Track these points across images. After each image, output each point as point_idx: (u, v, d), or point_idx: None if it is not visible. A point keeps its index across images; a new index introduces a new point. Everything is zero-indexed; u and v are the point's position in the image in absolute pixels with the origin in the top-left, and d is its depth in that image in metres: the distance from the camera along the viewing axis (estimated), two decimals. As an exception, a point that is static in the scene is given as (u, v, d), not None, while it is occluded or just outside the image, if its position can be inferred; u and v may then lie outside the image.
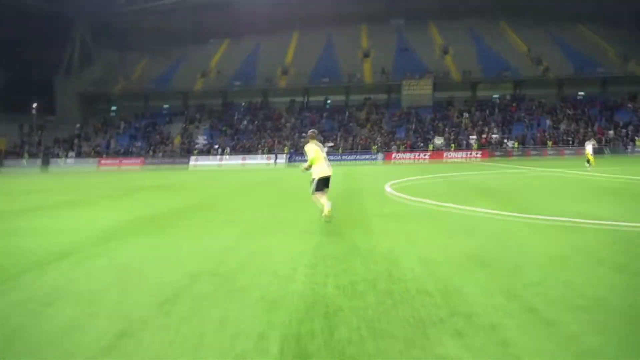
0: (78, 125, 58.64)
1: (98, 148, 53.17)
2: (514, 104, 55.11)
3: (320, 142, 9.46)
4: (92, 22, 65.34)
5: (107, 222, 9.58)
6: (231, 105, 60.80)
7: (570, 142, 46.19)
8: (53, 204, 13.51)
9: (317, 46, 65.12)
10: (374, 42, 64.59)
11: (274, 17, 68.98)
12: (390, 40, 64.88)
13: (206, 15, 69.55)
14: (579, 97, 56.10)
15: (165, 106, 62.36)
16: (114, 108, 63.12)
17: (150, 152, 51.09)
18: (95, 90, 62.03)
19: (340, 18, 68.91)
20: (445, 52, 61.58)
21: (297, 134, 51.87)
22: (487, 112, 54.10)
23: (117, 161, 49.32)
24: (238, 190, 17.46)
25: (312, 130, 9.11)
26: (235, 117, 57.89)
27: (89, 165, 48.48)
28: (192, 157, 48.66)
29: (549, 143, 46.37)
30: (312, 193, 8.76)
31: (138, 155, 50.86)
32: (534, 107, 54.15)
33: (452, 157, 45.44)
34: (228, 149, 49.45)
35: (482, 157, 45.15)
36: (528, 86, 57.65)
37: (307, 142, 8.84)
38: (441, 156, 45.71)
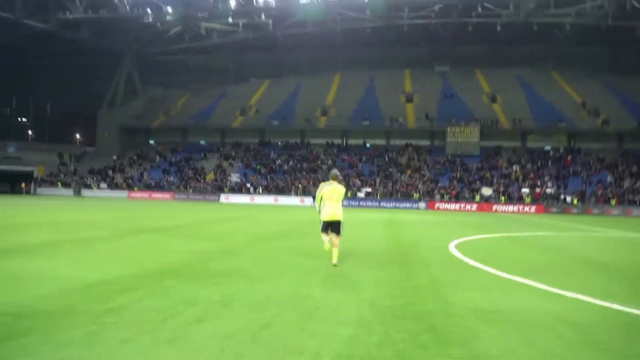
0: (115, 157, 56.80)
1: (130, 180, 50.78)
2: (569, 157, 49.80)
3: (342, 183, 8.39)
4: (139, 58, 64.81)
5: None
6: (268, 144, 57.92)
7: (638, 202, 40.40)
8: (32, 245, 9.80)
9: (358, 88, 62.14)
10: (417, 87, 61.14)
11: (316, 59, 67.07)
12: (434, 86, 61.29)
13: (250, 55, 68.28)
14: (641, 152, 50.32)
15: (202, 142, 60.10)
16: (152, 142, 61.32)
17: (181, 187, 48.17)
18: (135, 124, 60.55)
19: (383, 61, 66.23)
20: (493, 99, 57.35)
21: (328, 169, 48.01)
22: (540, 163, 48.96)
23: (146, 194, 46.51)
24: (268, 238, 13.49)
25: (334, 170, 8.50)
26: (271, 156, 54.80)
27: (119, 197, 45.92)
28: (223, 195, 45.34)
29: (612, 201, 40.71)
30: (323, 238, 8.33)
31: (169, 189, 48.02)
32: (592, 162, 48.67)
33: (502, 210, 40.34)
34: (260, 188, 45.97)
35: (536, 212, 39.87)
36: (584, 139, 52.46)
37: (327, 182, 8.22)
38: (490, 208, 40.70)
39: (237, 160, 54.70)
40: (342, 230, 8.06)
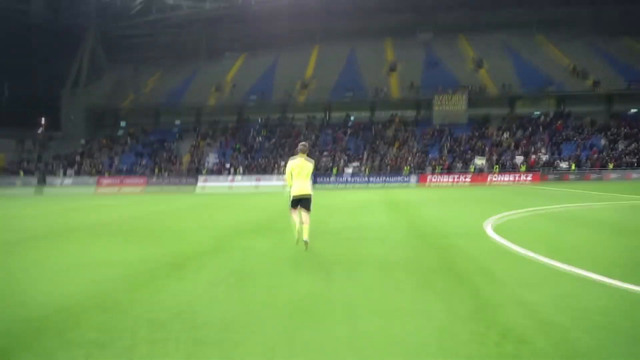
0: (83, 142, 52.18)
1: (100, 166, 46.48)
2: (559, 122, 47.17)
3: (310, 157, 7.84)
4: (103, 35, 59.54)
5: None
6: (246, 122, 53.91)
7: (636, 164, 38.05)
8: None
9: (339, 60, 58.19)
10: (400, 56, 57.46)
11: (293, 30, 62.67)
12: (417, 54, 57.72)
13: (222, 28, 63.50)
14: (630, 114, 48.00)
15: (177, 122, 55.73)
16: (123, 124, 56.70)
17: (156, 172, 44.15)
18: (103, 105, 55.67)
19: (363, 31, 62.23)
20: (479, 66, 54.11)
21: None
22: (530, 130, 46.22)
23: (117, 181, 42.40)
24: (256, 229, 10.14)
25: (302, 143, 8.14)
26: (251, 134, 50.91)
27: (87, 186, 41.73)
28: (201, 178, 41.53)
29: (610, 165, 38.28)
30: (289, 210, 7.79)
31: (142, 174, 43.94)
32: (583, 125, 46.14)
33: (497, 181, 37.59)
34: (240, 169, 42.30)
35: (533, 180, 37.22)
36: (573, 102, 49.71)
37: (295, 156, 7.69)
38: (485, 179, 37.90)
39: (215, 140, 50.69)
40: (312, 206, 7.66)
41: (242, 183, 40.66)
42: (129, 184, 41.51)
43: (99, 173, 44.82)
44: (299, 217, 7.57)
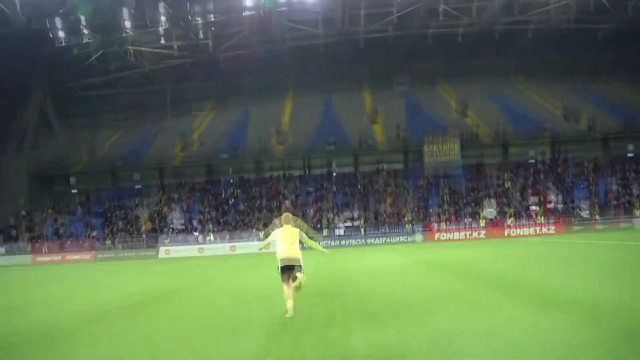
0: (24, 212, 42.76)
1: (43, 239, 37.15)
2: (559, 167, 41.79)
3: (296, 223, 7.42)
4: (56, 93, 51.62)
5: None
6: (217, 182, 46.08)
7: (665, 208, 32.35)
8: None
9: (315, 111, 52.23)
10: (379, 106, 51.85)
11: (264, 83, 56.52)
12: (397, 103, 52.41)
13: (189, 84, 56.84)
14: (630, 155, 43.33)
15: (138, 182, 47.20)
16: (74, 184, 47.66)
17: (109, 240, 35.25)
18: (51, 169, 46.79)
19: (338, 82, 56.78)
20: (465, 111, 49.13)
21: (300, 212, 36.97)
22: (532, 176, 40.49)
23: (58, 257, 33.17)
24: None
25: (286, 213, 7.55)
26: (222, 195, 43.01)
27: (21, 262, 32.33)
28: (163, 242, 32.97)
29: (637, 210, 32.37)
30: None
31: (91, 245, 34.94)
32: (585, 170, 40.82)
33: (516, 235, 30.85)
34: (211, 235, 34.05)
35: (557, 231, 30.68)
36: (568, 146, 44.91)
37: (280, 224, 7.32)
38: (501, 232, 31.11)
39: (181, 203, 42.41)
40: (303, 273, 6.86)
41: (213, 252, 32.32)
42: (74, 259, 32.34)
43: (38, 239, 35.57)
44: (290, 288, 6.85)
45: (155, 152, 47.54)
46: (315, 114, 51.64)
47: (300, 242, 7.21)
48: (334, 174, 45.16)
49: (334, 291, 9.97)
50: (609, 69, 53.12)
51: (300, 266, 6.90)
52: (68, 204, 44.33)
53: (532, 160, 44.27)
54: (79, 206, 42.63)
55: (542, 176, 40.52)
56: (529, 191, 37.49)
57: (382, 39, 51.21)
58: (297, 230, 7.17)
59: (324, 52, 52.54)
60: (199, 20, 44.03)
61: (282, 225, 7.20)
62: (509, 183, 39.25)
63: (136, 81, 53.93)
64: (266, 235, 7.49)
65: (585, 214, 32.80)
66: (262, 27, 45.84)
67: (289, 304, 6.81)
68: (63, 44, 42.61)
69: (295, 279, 6.80)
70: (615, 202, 33.95)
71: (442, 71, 56.93)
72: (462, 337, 5.22)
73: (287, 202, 39.19)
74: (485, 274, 11.59)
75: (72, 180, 47.80)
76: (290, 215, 7.35)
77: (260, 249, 8.39)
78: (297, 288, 6.87)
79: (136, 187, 46.50)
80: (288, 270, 6.85)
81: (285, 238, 6.97)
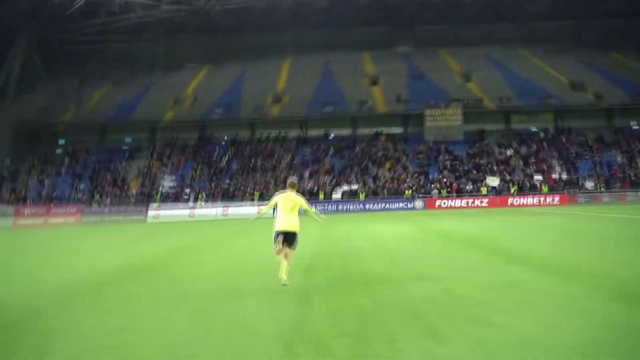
0: (8, 162, 40.60)
1: (25, 192, 35.22)
2: (564, 138, 40.29)
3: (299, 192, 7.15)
4: (41, 40, 48.43)
5: None
6: (210, 140, 44.02)
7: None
8: None
9: (313, 73, 49.70)
10: (380, 69, 49.60)
11: (261, 42, 53.60)
12: (398, 67, 50.07)
13: (182, 38, 53.67)
14: (635, 128, 41.90)
15: (127, 140, 44.98)
16: (61, 142, 45.33)
17: (95, 198, 33.45)
18: (36, 120, 44.28)
19: (337, 44, 54.17)
20: (467, 79, 47.00)
21: (296, 174, 35.29)
22: (536, 146, 38.99)
23: (43, 211, 31.37)
24: None
25: (291, 178, 7.32)
26: (215, 154, 41.08)
27: (3, 218, 30.49)
28: (152, 206, 31.22)
29: (643, 184, 31.20)
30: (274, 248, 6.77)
31: (78, 202, 33.13)
32: (589, 142, 39.38)
33: (520, 204, 29.57)
34: (203, 194, 32.35)
35: (561, 202, 29.45)
36: (571, 117, 43.23)
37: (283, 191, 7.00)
38: (504, 202, 29.81)
39: (172, 160, 40.47)
40: (297, 243, 6.82)
41: (205, 213, 30.69)
42: (59, 215, 30.58)
43: (22, 201, 33.59)
44: (287, 255, 6.69)
45: (145, 108, 45.10)
46: (313, 75, 49.19)
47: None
48: (332, 137, 43.25)
49: (349, 277, 8.40)
50: (617, 39, 50.99)
51: (296, 237, 6.75)
52: (54, 163, 42.12)
53: (535, 130, 42.67)
54: (65, 159, 40.44)
55: (545, 146, 39.02)
56: (532, 160, 36.03)
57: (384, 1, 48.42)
58: (300, 198, 6.97)
59: (325, 9, 49.60)
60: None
61: (284, 191, 6.98)
62: (511, 152, 37.72)
63: (126, 32, 50.80)
64: (270, 205, 7.18)
65: (590, 186, 31.52)
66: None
67: (284, 271, 6.57)
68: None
69: (289, 245, 6.68)
70: (620, 175, 32.67)
71: (446, 37, 54.36)
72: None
73: (294, 177, 37.42)
74: (501, 247, 10.14)
75: (59, 138, 45.29)
76: (295, 183, 7.18)
77: (259, 215, 8.17)
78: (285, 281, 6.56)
79: (124, 146, 44.28)
80: (283, 238, 6.65)
81: (287, 205, 6.77)
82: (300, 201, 6.93)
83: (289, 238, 6.68)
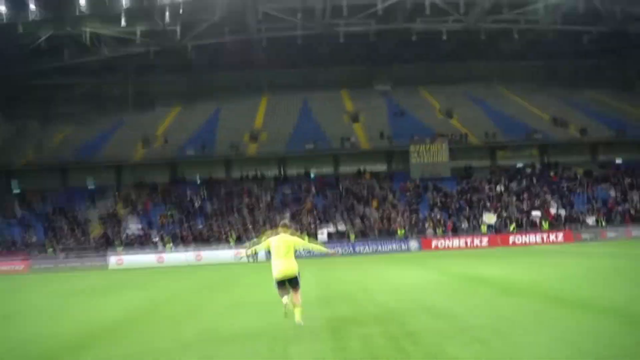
0: (-49, 212, 35.71)
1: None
2: (552, 173, 38.54)
3: (294, 234, 7.17)
4: (0, 76, 44.61)
5: None
6: (182, 182, 40.30)
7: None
8: None
9: (291, 111, 47.44)
10: (360, 106, 47.69)
11: (236, 80, 51.30)
12: (378, 104, 48.42)
13: (154, 77, 50.78)
14: (619, 163, 40.64)
15: (91, 186, 40.61)
16: (16, 190, 40.52)
17: (50, 248, 28.97)
18: (-14, 163, 39.72)
19: (315, 82, 52.35)
20: (449, 115, 45.52)
21: (277, 216, 31.84)
22: (525, 183, 36.95)
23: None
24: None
25: (284, 220, 7.69)
26: (188, 197, 37.30)
27: None
28: (115, 248, 27.03)
29: (646, 218, 29.12)
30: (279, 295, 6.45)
31: (28, 253, 28.55)
32: (577, 176, 37.69)
33: (522, 242, 26.87)
34: (170, 239, 28.39)
35: (565, 239, 26.92)
36: (557, 153, 41.93)
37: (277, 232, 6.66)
38: (505, 240, 27.06)
39: (139, 203, 36.42)
40: (300, 281, 6.44)
41: (176, 260, 26.69)
42: (3, 262, 25.96)
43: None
44: (289, 297, 6.40)
45: (112, 149, 41.32)
46: (291, 113, 46.90)
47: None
48: (312, 176, 40.28)
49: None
50: (590, 77, 51.00)
51: (297, 280, 6.40)
52: (7, 206, 37.42)
53: (520, 165, 40.88)
54: (18, 207, 35.84)
55: (534, 182, 37.05)
56: (525, 197, 33.80)
57: (363, 36, 47.00)
58: (294, 239, 6.76)
59: (301, 47, 47.81)
60: (165, 0, 38.53)
61: (276, 234, 6.63)
62: (502, 188, 35.49)
63: (94, 70, 47.55)
64: (261, 246, 6.86)
65: (591, 222, 29.23)
66: (235, 13, 40.78)
67: (297, 312, 6.21)
68: (4, 20, 36.14)
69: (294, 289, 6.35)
70: (619, 209, 30.64)
71: (424, 75, 53.37)
72: None
73: (286, 217, 33.84)
74: (542, 290, 7.12)
75: (14, 179, 40.70)
76: (287, 224, 6.96)
77: (248, 255, 8.33)
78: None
79: (89, 187, 40.08)
80: (284, 284, 6.36)
81: (280, 249, 6.41)
82: (295, 242, 6.59)
83: (290, 282, 6.36)
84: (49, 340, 6.14)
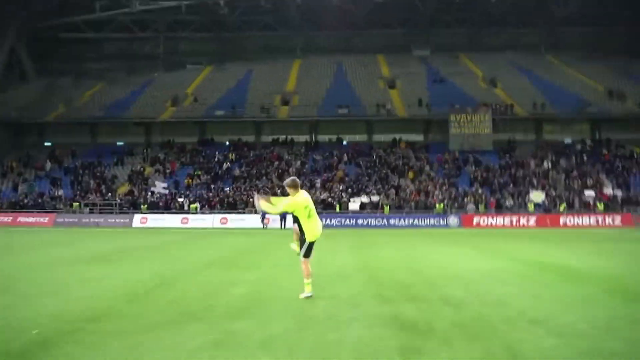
0: (-15, 166, 35.28)
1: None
2: (605, 150, 35.02)
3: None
4: (32, 32, 43.45)
5: None
6: (211, 143, 38.75)
7: None
8: None
9: (325, 74, 44.69)
10: (397, 72, 44.49)
11: (269, 42, 48.92)
12: (417, 70, 45.06)
13: (185, 36, 48.80)
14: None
15: (120, 143, 39.61)
16: (48, 143, 39.89)
17: (76, 202, 28.03)
18: (18, 116, 38.90)
19: (350, 46, 49.62)
20: (493, 84, 41.94)
21: (307, 182, 29.92)
22: (574, 160, 33.66)
23: (9, 218, 25.95)
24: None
25: (293, 178, 5.86)
26: (215, 158, 35.75)
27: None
28: (138, 215, 25.80)
29: None
30: (302, 258, 5.71)
31: (54, 208, 27.71)
32: (634, 155, 34.10)
33: (574, 224, 24.19)
34: (197, 206, 26.89)
35: (624, 223, 24.08)
36: (609, 128, 38.09)
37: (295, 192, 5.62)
38: (556, 221, 24.42)
39: (167, 164, 35.08)
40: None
41: (201, 224, 25.28)
42: (28, 223, 25.15)
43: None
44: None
45: (142, 106, 39.93)
46: (325, 77, 44.20)
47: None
48: (345, 143, 37.98)
49: None
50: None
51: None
52: (38, 158, 36.81)
53: (569, 141, 37.37)
54: (48, 161, 35.08)
55: (584, 158, 33.71)
56: (575, 174, 30.70)
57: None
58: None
59: (337, 9, 44.65)
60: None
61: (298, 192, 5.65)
62: (549, 164, 32.40)
63: (126, 26, 45.93)
64: (290, 207, 5.64)
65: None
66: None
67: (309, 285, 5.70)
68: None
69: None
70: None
71: (465, 42, 49.60)
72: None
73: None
74: None
75: (44, 139, 39.94)
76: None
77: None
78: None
79: (118, 143, 39.06)
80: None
81: (313, 207, 5.81)
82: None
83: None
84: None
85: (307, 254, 5.67)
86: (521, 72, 43.96)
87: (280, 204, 5.81)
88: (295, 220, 5.84)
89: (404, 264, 8.90)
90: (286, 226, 23.46)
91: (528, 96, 38.52)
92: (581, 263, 9.30)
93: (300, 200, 5.59)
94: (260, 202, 5.65)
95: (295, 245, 6.16)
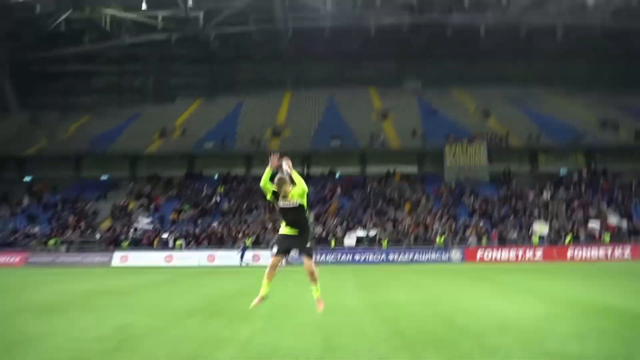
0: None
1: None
2: (602, 180, 34.19)
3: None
4: (17, 65, 42.43)
5: None
6: (199, 177, 37.23)
7: None
8: None
9: (316, 106, 44.03)
10: (389, 104, 43.90)
11: (260, 75, 48.46)
12: (409, 103, 44.53)
13: (175, 69, 48.23)
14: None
15: (104, 177, 37.92)
16: (27, 178, 38.01)
17: (52, 240, 26.02)
18: (1, 150, 37.12)
19: (342, 79, 49.12)
20: (486, 115, 41.49)
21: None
22: (572, 190, 32.71)
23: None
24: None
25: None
26: (204, 193, 34.14)
27: None
28: (119, 253, 23.87)
29: None
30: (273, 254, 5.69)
31: (25, 247, 25.65)
32: (632, 185, 33.26)
33: (582, 257, 22.81)
34: (182, 242, 25.10)
35: (632, 256, 22.75)
36: (604, 159, 37.51)
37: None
38: (563, 254, 23.02)
39: (153, 199, 33.33)
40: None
41: (186, 261, 23.41)
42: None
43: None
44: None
45: (128, 140, 38.53)
46: (317, 109, 43.53)
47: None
48: (338, 176, 36.73)
49: None
50: (634, 84, 46.13)
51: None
52: (16, 194, 34.87)
53: (564, 172, 36.60)
54: (26, 196, 33.15)
55: (583, 190, 32.76)
56: (575, 205, 29.62)
57: (395, 30, 43.55)
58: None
59: (329, 41, 44.46)
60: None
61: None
62: (548, 195, 31.34)
63: (115, 59, 45.16)
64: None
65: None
66: (261, 0, 37.76)
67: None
68: (21, -1, 33.79)
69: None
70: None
71: (457, 75, 49.45)
72: None
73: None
74: None
75: (25, 174, 38.12)
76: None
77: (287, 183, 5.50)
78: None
79: (102, 177, 37.37)
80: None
81: None
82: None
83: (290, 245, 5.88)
84: None
85: (277, 251, 5.57)
86: (514, 104, 43.69)
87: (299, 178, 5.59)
88: (296, 220, 5.54)
89: (426, 308, 7.30)
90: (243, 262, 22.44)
91: (522, 127, 38.02)
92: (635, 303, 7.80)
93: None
94: (285, 162, 5.34)
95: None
